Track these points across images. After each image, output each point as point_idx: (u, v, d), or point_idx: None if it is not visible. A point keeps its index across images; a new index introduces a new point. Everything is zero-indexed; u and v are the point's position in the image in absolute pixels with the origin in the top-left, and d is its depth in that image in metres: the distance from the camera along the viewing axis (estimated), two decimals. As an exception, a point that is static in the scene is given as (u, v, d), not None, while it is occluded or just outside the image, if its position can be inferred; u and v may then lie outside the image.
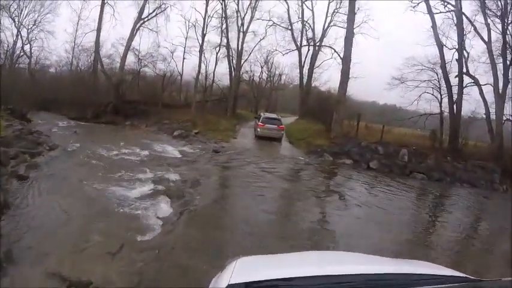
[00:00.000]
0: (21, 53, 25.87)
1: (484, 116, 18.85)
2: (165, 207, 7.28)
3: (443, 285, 1.47)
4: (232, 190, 9.26)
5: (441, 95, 20.34)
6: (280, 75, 35.40)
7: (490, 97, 18.64)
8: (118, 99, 23.17)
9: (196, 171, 10.47)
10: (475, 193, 13.26)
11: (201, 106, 24.80)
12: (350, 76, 18.42)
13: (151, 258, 5.15)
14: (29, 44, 26.04)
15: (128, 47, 24.82)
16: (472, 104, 20.01)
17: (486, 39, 18.44)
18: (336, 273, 1.58)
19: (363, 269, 1.72)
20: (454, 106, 18.92)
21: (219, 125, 20.11)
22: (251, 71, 31.90)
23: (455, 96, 19.00)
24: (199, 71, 24.43)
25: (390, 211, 8.90)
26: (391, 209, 9.15)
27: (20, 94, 18.73)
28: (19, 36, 25.17)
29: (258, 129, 18.18)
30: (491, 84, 18.45)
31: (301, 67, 28.17)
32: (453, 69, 19.49)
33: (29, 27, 25.51)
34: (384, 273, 1.63)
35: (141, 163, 11.05)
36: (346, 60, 18.15)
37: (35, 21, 25.43)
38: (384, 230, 7.27)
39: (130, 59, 25.88)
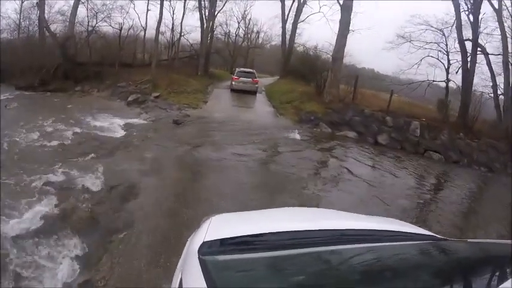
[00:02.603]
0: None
1: (492, 90, 15.30)
2: (55, 266, 3.15)
3: (411, 242, 1.51)
4: (190, 211, 4.43)
5: (449, 60, 16.48)
6: (258, 32, 30.61)
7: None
8: (67, 61, 17.44)
9: (138, 164, 6.12)
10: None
11: (167, 65, 19.64)
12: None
13: None
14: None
15: (78, -2, 18.47)
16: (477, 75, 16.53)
17: (497, 6, 14.47)
18: (308, 229, 1.48)
19: (334, 224, 1.61)
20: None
21: (187, 85, 15.22)
22: (226, 25, 26.71)
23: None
24: (160, 20, 18.59)
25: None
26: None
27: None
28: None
29: (233, 83, 16.71)
30: (501, 55, 14.75)
31: (284, 21, 23.20)
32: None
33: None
34: (355, 229, 1.54)
35: (59, 152, 6.71)
36: (346, 8, 13.54)
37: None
38: None
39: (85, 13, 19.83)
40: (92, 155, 6.39)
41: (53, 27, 19.45)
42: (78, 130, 8.27)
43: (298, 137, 10.02)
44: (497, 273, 1.30)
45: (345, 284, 1.22)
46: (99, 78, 16.82)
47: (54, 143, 7.21)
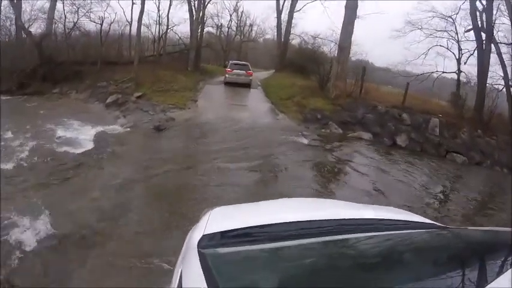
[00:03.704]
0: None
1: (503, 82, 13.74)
2: None
3: (411, 231, 1.44)
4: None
5: (460, 50, 14.78)
6: (251, 25, 28.68)
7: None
8: (46, 61, 15.29)
9: (98, 198, 4.28)
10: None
11: (154, 61, 17.64)
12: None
13: None
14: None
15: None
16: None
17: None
18: (308, 219, 1.38)
19: (334, 214, 1.47)
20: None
21: (175, 83, 13.22)
22: (218, 17, 24.72)
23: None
24: (142, 10, 16.31)
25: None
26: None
27: None
28: None
29: (226, 75, 15.63)
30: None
31: (279, 11, 21.33)
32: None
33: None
34: (355, 219, 1.44)
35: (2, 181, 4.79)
36: (353, -9, 11.75)
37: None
38: None
39: (67, 9, 17.72)
40: (43, 184, 4.54)
41: (35, 26, 17.54)
42: (36, 145, 6.38)
43: (305, 141, 8.28)
44: (498, 261, 1.14)
45: (347, 273, 1.13)
46: (79, 78, 14.77)
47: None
